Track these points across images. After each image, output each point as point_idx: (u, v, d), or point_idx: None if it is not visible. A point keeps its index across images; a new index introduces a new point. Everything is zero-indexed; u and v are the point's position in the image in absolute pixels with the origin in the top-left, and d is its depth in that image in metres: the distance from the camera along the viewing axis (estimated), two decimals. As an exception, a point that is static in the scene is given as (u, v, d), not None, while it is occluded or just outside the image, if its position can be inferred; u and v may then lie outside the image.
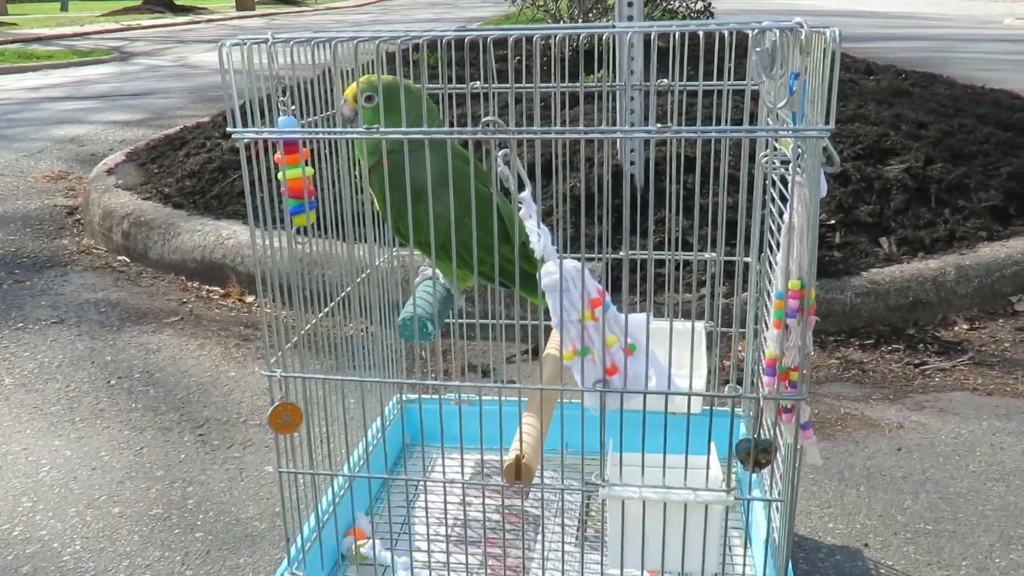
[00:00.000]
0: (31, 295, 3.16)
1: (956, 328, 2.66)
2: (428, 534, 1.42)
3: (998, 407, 2.20)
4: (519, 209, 1.14)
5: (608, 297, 1.19)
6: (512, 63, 1.31)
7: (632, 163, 3.01)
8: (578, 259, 1.19)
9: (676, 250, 1.68)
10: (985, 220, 3.05)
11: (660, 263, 2.65)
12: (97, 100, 8.14)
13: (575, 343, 1.17)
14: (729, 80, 1.46)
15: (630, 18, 2.97)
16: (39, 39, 16.66)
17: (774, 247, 1.35)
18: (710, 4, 5.92)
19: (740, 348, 1.92)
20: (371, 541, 1.47)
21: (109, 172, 4.29)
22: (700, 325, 1.55)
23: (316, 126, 1.33)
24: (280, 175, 1.21)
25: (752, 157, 1.42)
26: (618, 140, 3.04)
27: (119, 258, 3.57)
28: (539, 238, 1.10)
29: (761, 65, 1.05)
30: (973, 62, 8.40)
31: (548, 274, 1.15)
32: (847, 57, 5.67)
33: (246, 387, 2.41)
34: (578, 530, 1.61)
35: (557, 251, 1.16)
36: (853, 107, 3.91)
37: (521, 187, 1.13)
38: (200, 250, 3.23)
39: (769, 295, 1.35)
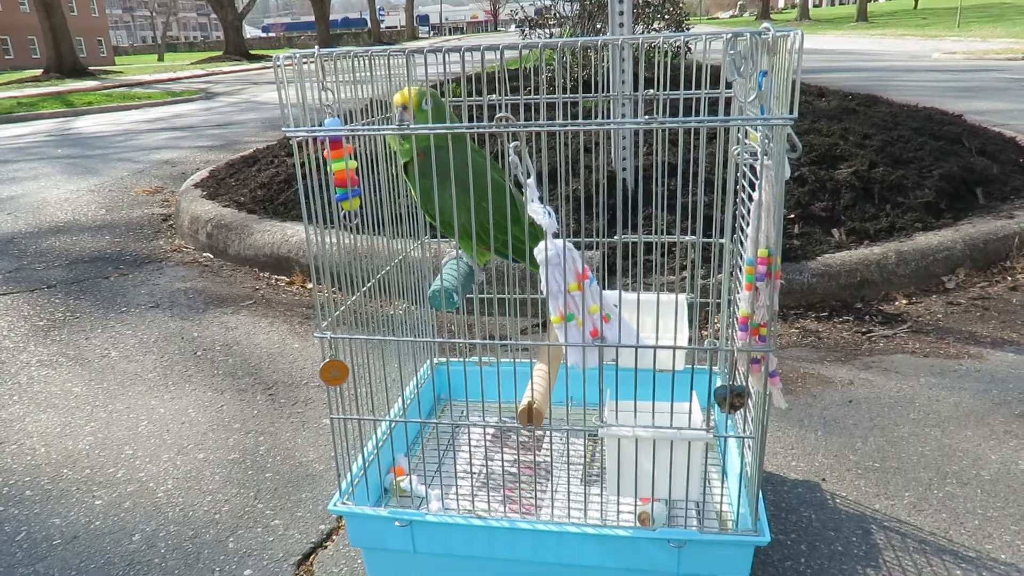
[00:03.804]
0: (132, 285, 3.16)
1: (897, 303, 2.59)
2: (456, 471, 1.39)
3: (933, 367, 2.14)
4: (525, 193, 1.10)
5: (592, 273, 1.15)
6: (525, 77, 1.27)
7: (624, 168, 2.96)
8: (576, 244, 1.15)
9: (661, 235, 1.63)
10: (920, 214, 2.97)
11: (649, 251, 2.60)
12: (187, 131, 8.17)
13: (562, 309, 1.13)
14: (706, 88, 1.41)
15: (620, 26, 2.88)
16: (140, 83, 16.77)
17: (745, 228, 1.30)
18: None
19: (716, 320, 1.87)
20: (409, 477, 1.44)
21: (196, 186, 4.28)
22: (683, 297, 1.51)
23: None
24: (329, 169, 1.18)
25: (720, 161, 1.37)
26: (613, 149, 2.99)
27: (204, 255, 3.56)
28: (546, 215, 1.06)
29: (734, 65, 1.01)
30: (908, 88, 8.26)
31: (543, 250, 1.11)
32: (802, 83, 5.57)
33: (307, 356, 2.38)
34: (584, 466, 1.57)
35: (558, 234, 1.12)
36: (808, 122, 3.83)
37: (528, 174, 1.09)
38: (270, 247, 3.21)
39: (741, 269, 1.31)
